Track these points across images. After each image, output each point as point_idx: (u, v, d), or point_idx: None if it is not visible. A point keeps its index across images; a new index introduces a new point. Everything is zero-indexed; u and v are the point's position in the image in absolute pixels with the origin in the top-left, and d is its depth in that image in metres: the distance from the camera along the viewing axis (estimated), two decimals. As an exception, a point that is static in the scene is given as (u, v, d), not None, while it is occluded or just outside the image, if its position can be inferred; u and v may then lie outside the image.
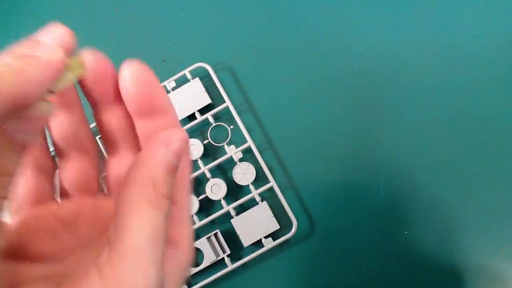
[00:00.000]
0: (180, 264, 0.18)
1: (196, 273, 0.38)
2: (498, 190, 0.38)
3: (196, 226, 0.39)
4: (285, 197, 0.38)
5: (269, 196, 0.40)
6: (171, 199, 0.17)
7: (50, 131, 0.19)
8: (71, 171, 0.19)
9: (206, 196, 0.39)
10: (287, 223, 0.38)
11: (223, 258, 0.38)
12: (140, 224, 0.15)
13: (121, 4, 0.45)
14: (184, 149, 0.17)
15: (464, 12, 0.42)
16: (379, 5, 0.43)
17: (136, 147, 0.20)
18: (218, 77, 0.42)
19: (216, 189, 0.39)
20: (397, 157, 0.39)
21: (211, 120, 0.41)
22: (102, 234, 0.18)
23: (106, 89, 0.18)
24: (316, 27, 0.43)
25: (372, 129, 0.40)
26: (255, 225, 0.38)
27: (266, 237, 0.38)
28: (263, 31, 0.43)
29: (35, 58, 0.14)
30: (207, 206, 0.40)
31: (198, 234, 0.40)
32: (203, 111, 0.41)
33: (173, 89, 0.41)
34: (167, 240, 0.16)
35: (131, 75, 0.18)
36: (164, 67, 0.43)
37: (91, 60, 0.18)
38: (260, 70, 0.42)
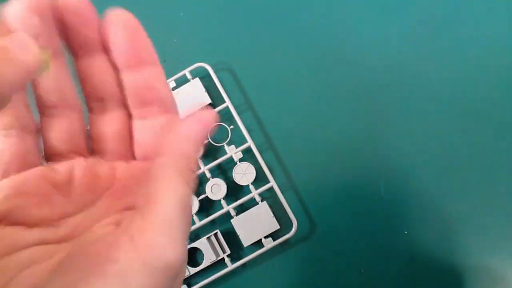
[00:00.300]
0: None
1: (196, 273, 0.38)
2: (498, 190, 0.38)
3: (196, 226, 0.38)
4: (285, 197, 0.38)
5: (269, 196, 0.40)
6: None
7: (35, 87, 0.17)
8: (58, 130, 0.18)
9: (206, 196, 0.39)
10: (287, 223, 0.38)
11: (223, 258, 0.38)
12: (173, 196, 0.16)
13: (121, 4, 0.45)
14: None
15: (464, 12, 0.42)
16: (379, 6, 0.43)
17: (122, 102, 0.19)
18: (218, 77, 0.42)
19: (216, 189, 0.39)
20: (397, 157, 0.39)
21: (211, 120, 0.40)
22: (98, 197, 0.18)
23: (90, 34, 0.17)
24: (316, 27, 0.43)
25: (372, 129, 0.40)
26: (255, 225, 0.38)
27: (266, 237, 0.38)
28: (263, 31, 0.43)
29: (11, 59, 0.13)
30: (207, 206, 0.40)
31: (198, 234, 0.39)
32: (203, 111, 0.41)
33: (173, 89, 0.41)
34: None
35: (120, 21, 0.17)
36: (164, 67, 0.42)
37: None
38: (260, 70, 0.42)
